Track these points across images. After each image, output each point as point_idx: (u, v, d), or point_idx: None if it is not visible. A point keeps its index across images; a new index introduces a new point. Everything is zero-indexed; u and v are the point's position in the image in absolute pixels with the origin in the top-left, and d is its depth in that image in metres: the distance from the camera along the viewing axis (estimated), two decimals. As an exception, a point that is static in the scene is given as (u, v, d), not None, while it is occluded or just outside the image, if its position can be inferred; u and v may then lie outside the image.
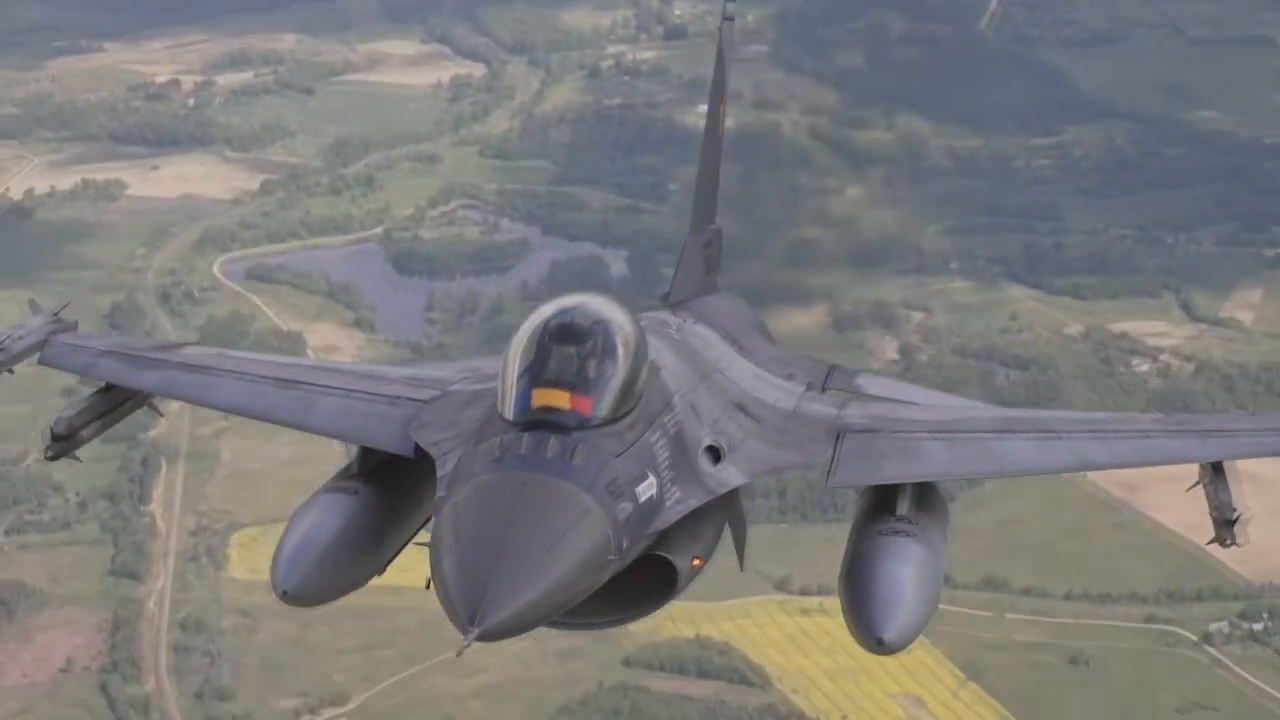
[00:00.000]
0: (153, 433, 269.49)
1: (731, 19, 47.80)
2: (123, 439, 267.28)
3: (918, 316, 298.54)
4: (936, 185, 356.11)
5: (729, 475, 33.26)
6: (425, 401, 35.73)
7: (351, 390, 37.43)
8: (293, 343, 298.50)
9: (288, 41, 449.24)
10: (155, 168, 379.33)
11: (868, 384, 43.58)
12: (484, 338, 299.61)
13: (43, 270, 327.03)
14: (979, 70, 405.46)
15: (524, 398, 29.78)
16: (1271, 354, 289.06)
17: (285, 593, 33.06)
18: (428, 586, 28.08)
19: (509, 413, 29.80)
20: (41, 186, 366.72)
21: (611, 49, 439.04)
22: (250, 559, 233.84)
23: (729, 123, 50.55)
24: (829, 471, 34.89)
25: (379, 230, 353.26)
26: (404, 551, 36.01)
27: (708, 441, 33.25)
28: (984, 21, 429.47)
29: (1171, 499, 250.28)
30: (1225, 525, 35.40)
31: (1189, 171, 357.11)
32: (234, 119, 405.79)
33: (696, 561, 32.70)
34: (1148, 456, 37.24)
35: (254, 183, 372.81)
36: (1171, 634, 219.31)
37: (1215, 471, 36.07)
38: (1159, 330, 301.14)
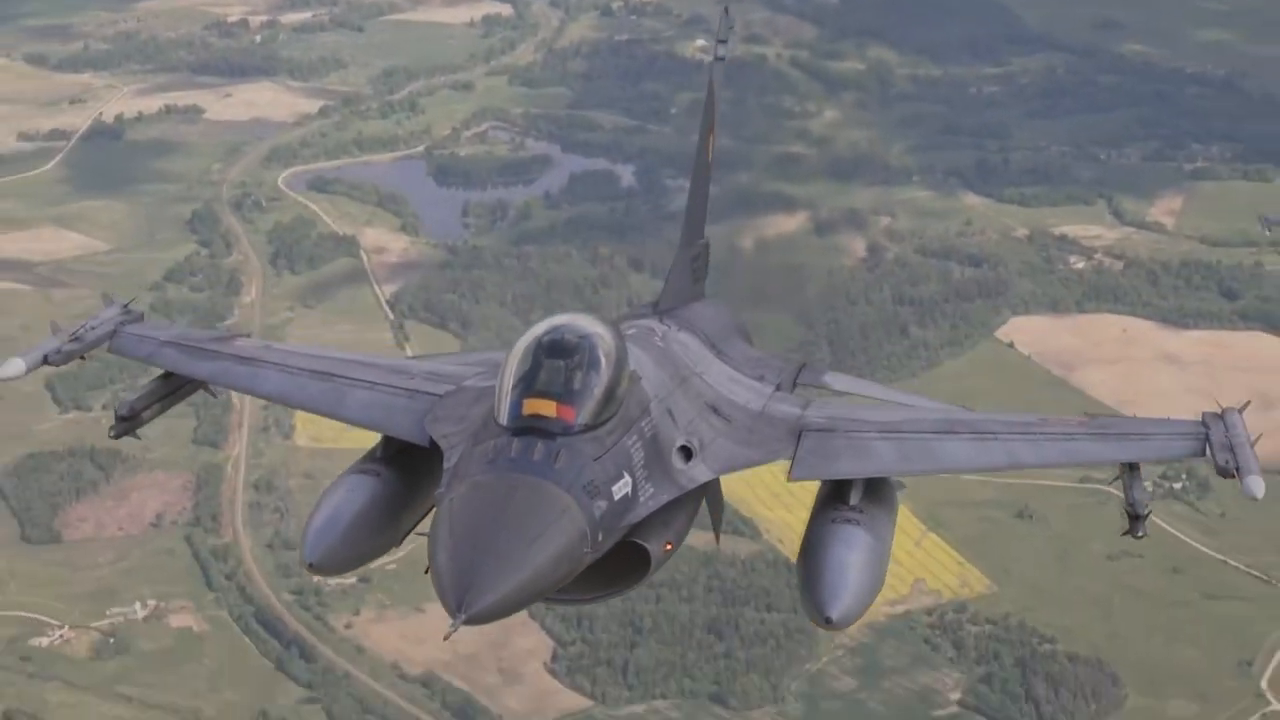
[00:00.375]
0: (229, 321, 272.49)
1: (723, 59, 46.57)
2: (204, 326, 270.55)
3: (885, 221, 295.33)
4: (901, 108, 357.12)
5: (698, 472, 33.08)
6: (440, 396, 35.27)
7: (378, 384, 36.83)
8: (348, 245, 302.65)
9: None
10: (228, 94, 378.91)
11: (833, 380, 42.71)
12: (511, 239, 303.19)
13: (132, 183, 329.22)
14: (938, 8, 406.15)
15: (516, 406, 29.80)
16: (1189, 252, 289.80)
17: (311, 564, 33.35)
18: (426, 573, 27.90)
19: (503, 419, 29.83)
20: (130, 111, 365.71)
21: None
22: (312, 429, 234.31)
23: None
24: (790, 468, 34.26)
25: (421, 148, 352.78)
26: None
27: (680, 442, 33.03)
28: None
29: (1102, 377, 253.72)
30: (1136, 519, 34.93)
31: (1119, 97, 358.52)
32: (295, 52, 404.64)
33: (668, 546, 32.65)
34: (1072, 457, 36.78)
35: (313, 107, 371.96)
36: (1103, 493, 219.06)
37: (1131, 470, 35.35)
38: (1093, 232, 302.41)
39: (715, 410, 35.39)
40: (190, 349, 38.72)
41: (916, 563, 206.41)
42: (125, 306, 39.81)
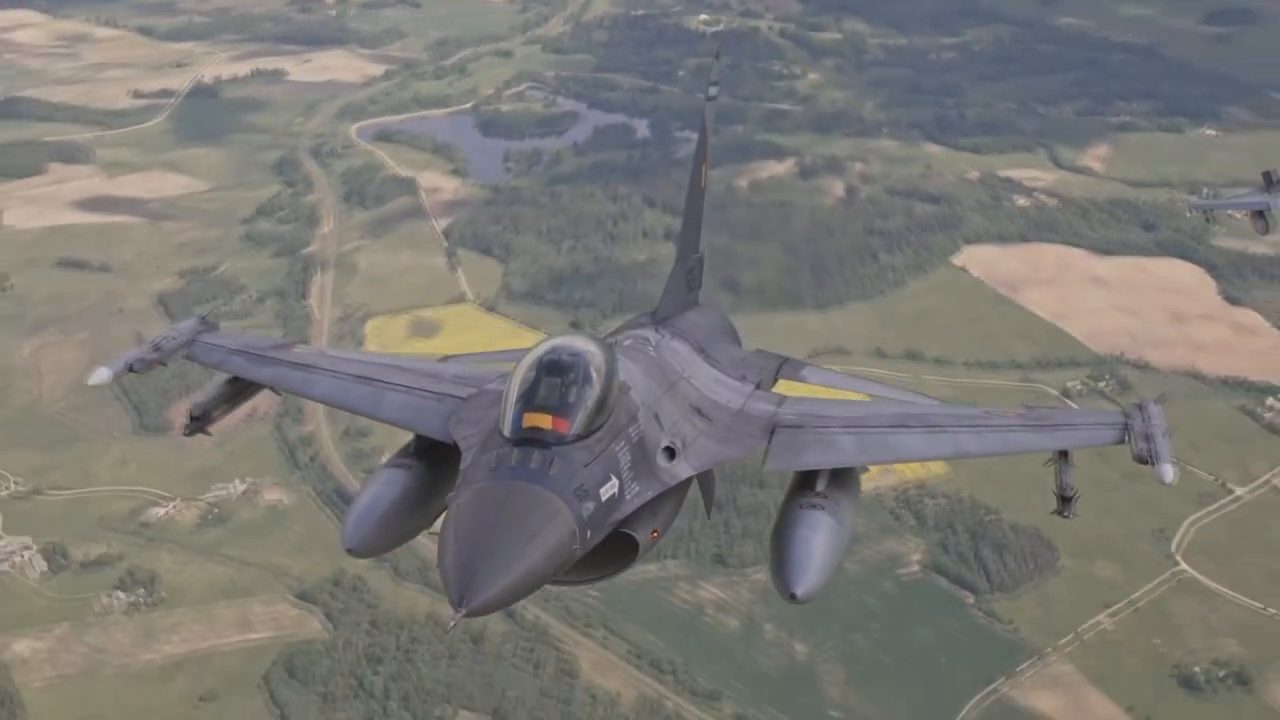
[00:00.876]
0: (309, 249, 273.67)
1: (714, 98, 44.82)
2: (288, 253, 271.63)
3: (859, 166, 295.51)
4: (873, 72, 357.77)
5: (681, 469, 32.36)
6: (464, 399, 34.68)
7: (412, 388, 36.36)
8: (408, 186, 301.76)
9: None
10: (307, 60, 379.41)
11: (810, 374, 41.69)
12: (545, 181, 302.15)
13: (227, 133, 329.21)
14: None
15: (517, 420, 29.33)
16: (1115, 192, 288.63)
17: (350, 549, 32.76)
18: (436, 566, 27.66)
19: (506, 430, 29.39)
20: (225, 74, 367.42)
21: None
22: (380, 338, 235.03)
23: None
24: (763, 460, 33.88)
25: (469, 105, 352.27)
26: None
27: (665, 443, 32.31)
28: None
29: (1041, 296, 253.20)
30: (1065, 501, 35.18)
31: (1056, 62, 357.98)
32: (363, 25, 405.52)
33: (654, 534, 32.09)
34: (1010, 446, 35.90)
35: (378, 70, 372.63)
36: (1041, 390, 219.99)
37: (1063, 457, 35.32)
38: (1034, 175, 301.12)
39: (699, 411, 34.79)
40: (254, 356, 38.45)
41: None
42: (202, 319, 39.60)
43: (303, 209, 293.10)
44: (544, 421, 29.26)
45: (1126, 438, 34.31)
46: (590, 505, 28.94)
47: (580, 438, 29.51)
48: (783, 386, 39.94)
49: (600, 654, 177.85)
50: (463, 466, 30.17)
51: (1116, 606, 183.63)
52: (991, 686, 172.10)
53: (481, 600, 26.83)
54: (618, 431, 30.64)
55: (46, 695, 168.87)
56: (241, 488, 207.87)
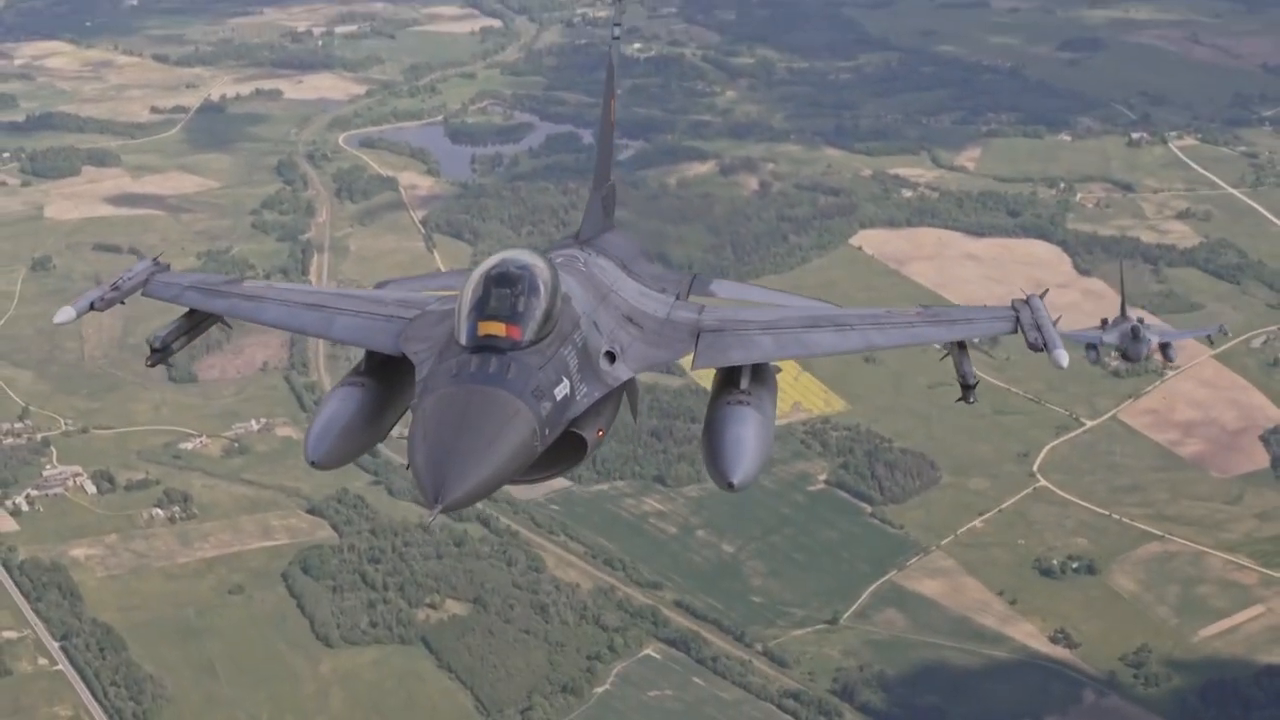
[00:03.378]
0: (308, 235, 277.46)
1: (618, 38, 44.35)
2: (289, 239, 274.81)
3: (770, 166, 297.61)
4: (781, 90, 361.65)
5: (621, 371, 30.67)
6: (410, 319, 32.15)
7: (359, 311, 33.75)
8: (390, 183, 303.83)
9: (378, 4, 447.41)
10: (300, 81, 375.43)
11: (719, 287, 39.73)
12: (506, 179, 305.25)
13: (234, 142, 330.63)
14: (807, 21, 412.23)
15: (472, 329, 27.62)
16: (985, 186, 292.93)
17: (313, 462, 30.80)
18: (407, 468, 26.02)
19: (463, 339, 27.68)
20: (230, 93, 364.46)
21: (580, 9, 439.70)
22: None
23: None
24: (692, 360, 32.31)
25: (439, 118, 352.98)
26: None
27: (605, 348, 30.57)
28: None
29: (924, 270, 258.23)
30: (967, 388, 34.01)
31: (935, 81, 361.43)
32: (346, 53, 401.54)
33: (600, 433, 30.57)
34: (914, 339, 34.67)
35: (361, 90, 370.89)
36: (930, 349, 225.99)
37: (960, 348, 34.10)
38: (918, 173, 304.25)
39: (630, 320, 32.96)
40: (206, 290, 35.86)
41: (795, 391, 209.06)
42: (155, 260, 36.67)
43: (301, 203, 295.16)
44: (498, 329, 27.61)
45: (1018, 328, 33.08)
46: (547, 405, 27.40)
47: (533, 343, 27.84)
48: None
49: (562, 554, 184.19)
50: (420, 377, 28.52)
51: (987, 513, 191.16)
52: (885, 577, 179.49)
53: (454, 497, 25.44)
54: (564, 338, 28.96)
55: (101, 589, 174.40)
56: (258, 425, 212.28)
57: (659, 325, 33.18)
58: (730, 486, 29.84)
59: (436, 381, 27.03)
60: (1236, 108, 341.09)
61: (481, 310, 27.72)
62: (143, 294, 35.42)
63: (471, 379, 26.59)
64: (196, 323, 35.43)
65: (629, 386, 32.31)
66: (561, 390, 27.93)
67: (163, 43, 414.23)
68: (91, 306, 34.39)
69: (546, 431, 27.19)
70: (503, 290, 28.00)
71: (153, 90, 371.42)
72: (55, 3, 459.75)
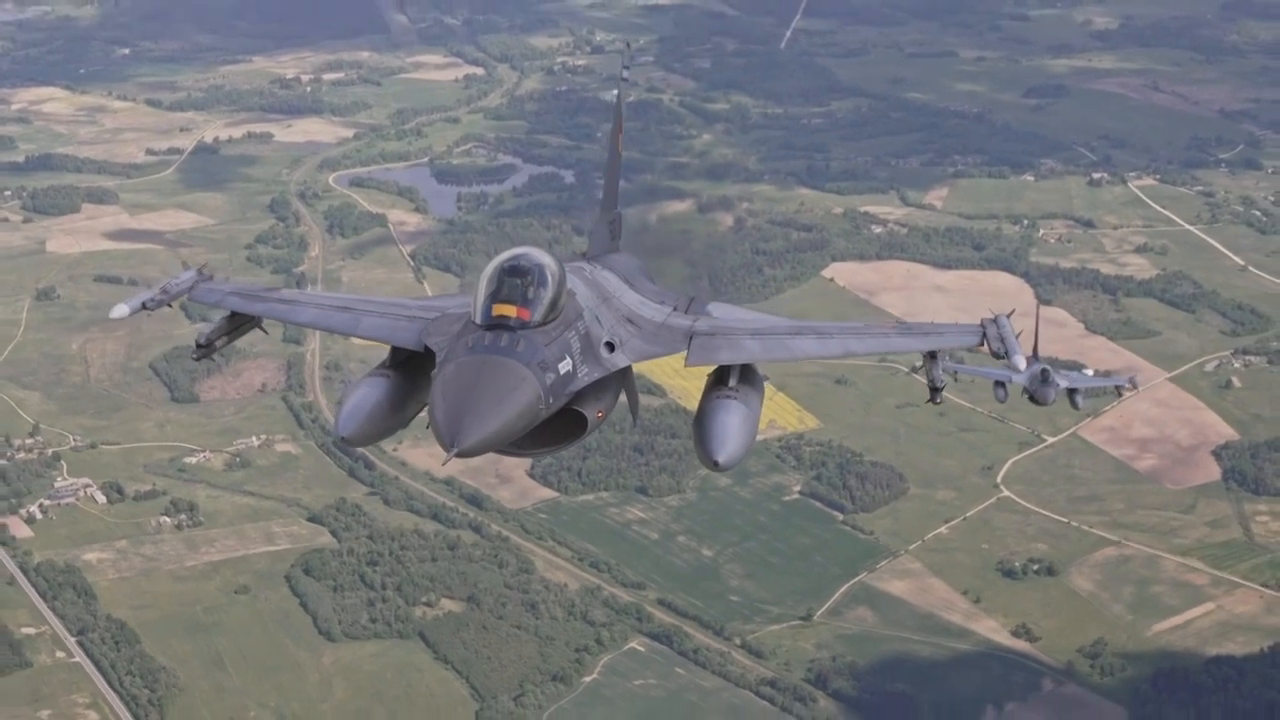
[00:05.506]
0: (301, 268, 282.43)
1: (626, 79, 47.32)
2: (284, 271, 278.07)
3: (745, 204, 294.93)
4: (755, 134, 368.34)
5: (619, 359, 33.19)
6: (431, 320, 34.64)
7: (384, 313, 36.24)
8: (379, 220, 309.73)
9: (364, 54, 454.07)
10: (289, 125, 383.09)
11: (714, 309, 40.71)
12: (491, 217, 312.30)
13: (228, 181, 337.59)
14: (780, 69, 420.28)
15: (487, 309, 30.12)
16: (952, 222, 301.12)
17: (344, 437, 33.40)
18: (427, 427, 28.66)
19: (478, 318, 30.14)
20: (223, 136, 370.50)
21: (560, 58, 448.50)
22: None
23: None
24: (686, 358, 34.62)
25: (425, 160, 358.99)
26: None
27: (606, 339, 32.99)
28: (783, 42, 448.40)
29: (893, 301, 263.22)
30: (935, 391, 35.60)
31: (904, 126, 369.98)
32: (334, 99, 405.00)
33: (599, 414, 32.81)
34: (890, 348, 37.07)
35: (349, 133, 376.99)
36: (892, 368, 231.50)
37: (931, 357, 35.48)
38: (887, 210, 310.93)
39: (630, 320, 35.29)
40: (247, 295, 38.74)
41: (770, 410, 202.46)
42: (199, 270, 39.39)
43: (294, 238, 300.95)
44: (510, 311, 30.10)
45: (983, 341, 34.81)
46: (551, 376, 29.84)
47: (540, 325, 30.32)
48: None
49: (550, 558, 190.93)
50: (439, 359, 30.86)
51: (953, 521, 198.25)
52: (856, 578, 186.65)
53: (468, 443, 27.97)
54: (568, 324, 31.39)
55: (113, 589, 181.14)
56: (258, 441, 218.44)
57: (656, 327, 35.99)
58: (716, 465, 32.93)
59: (455, 353, 29.78)
60: (1194, 150, 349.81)
61: (496, 295, 30.47)
62: (189, 299, 38.89)
63: (486, 350, 29.42)
64: (237, 325, 38.73)
65: (629, 387, 35.97)
66: (565, 366, 30.62)
67: (155, 89, 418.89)
68: (143, 306, 37.73)
69: (550, 399, 29.97)
70: (515, 279, 30.79)
71: (147, 133, 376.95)
72: (49, 50, 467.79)
